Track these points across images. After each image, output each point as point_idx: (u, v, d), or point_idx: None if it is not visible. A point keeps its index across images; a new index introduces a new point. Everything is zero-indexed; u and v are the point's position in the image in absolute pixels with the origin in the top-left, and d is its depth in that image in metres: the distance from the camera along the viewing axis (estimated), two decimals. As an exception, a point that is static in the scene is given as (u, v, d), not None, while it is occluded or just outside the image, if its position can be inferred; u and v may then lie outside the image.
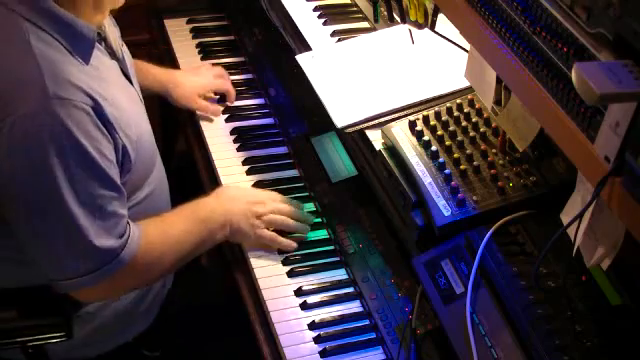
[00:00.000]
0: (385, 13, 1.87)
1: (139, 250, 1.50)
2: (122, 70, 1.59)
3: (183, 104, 2.02)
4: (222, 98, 2.09)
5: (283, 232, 1.71)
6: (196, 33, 2.33)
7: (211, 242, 1.65)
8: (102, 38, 1.53)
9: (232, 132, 2.00)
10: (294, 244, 1.70)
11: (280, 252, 1.70)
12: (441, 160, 1.48)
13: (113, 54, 1.57)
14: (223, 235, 1.65)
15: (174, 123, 2.25)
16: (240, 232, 1.66)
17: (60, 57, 1.38)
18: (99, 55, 1.49)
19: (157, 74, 2.00)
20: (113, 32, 1.61)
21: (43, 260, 1.47)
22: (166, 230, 1.59)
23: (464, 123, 1.55)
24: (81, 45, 1.42)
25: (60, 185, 1.36)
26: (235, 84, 2.14)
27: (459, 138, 1.52)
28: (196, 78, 2.04)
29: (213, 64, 2.15)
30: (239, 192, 1.76)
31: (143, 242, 1.52)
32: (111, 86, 1.47)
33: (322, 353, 1.50)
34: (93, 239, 1.41)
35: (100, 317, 1.66)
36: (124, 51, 1.65)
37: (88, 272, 1.44)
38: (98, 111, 1.39)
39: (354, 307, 1.60)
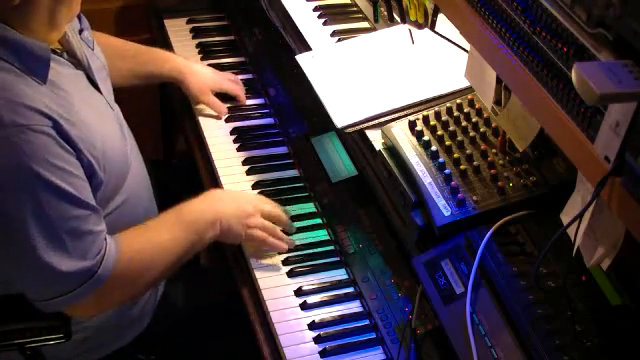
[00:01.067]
0: (385, 13, 1.87)
1: (121, 261, 1.48)
2: (89, 78, 1.56)
3: (195, 94, 2.02)
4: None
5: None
6: (196, 33, 2.33)
7: (201, 244, 1.63)
8: (64, 51, 1.50)
9: (232, 132, 2.00)
10: (284, 246, 1.69)
11: (280, 252, 1.70)
12: (441, 160, 1.48)
13: (78, 64, 1.54)
14: (213, 235, 1.63)
15: (174, 123, 2.25)
16: (231, 231, 1.64)
17: (13, 80, 1.34)
18: (59, 69, 1.45)
19: (175, 61, 2.02)
20: (77, 39, 1.56)
21: (23, 284, 1.46)
22: (151, 238, 1.57)
23: (464, 123, 1.55)
24: (35, 65, 1.38)
25: (24, 218, 1.34)
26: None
27: (459, 138, 1.52)
28: (209, 71, 2.07)
29: (213, 64, 2.15)
30: (227, 193, 1.76)
31: (126, 252, 1.49)
32: (74, 102, 1.44)
33: (322, 353, 1.50)
34: (62, 267, 1.38)
35: (95, 323, 1.66)
36: (93, 55, 1.62)
37: (67, 292, 1.43)
38: (59, 130, 1.36)
39: (354, 307, 1.60)
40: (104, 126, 1.53)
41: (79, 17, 1.63)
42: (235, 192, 1.80)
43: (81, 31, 1.63)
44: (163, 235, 1.58)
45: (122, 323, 1.71)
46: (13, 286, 1.51)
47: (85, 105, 1.48)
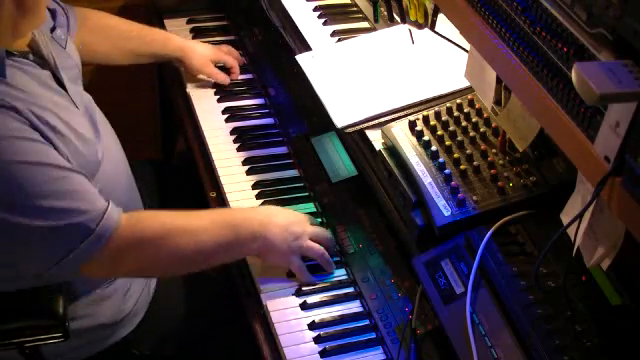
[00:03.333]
0: (385, 13, 1.87)
1: (128, 225, 1.47)
2: (55, 77, 1.56)
3: (198, 68, 2.11)
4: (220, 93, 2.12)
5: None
6: (196, 33, 2.33)
7: (237, 251, 1.60)
8: (27, 52, 1.51)
9: (232, 132, 2.00)
10: (315, 281, 1.63)
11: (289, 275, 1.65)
12: (441, 160, 1.48)
13: (45, 64, 1.54)
14: (255, 247, 1.58)
15: (174, 123, 2.26)
16: (274, 249, 1.59)
17: None
18: (18, 70, 1.46)
19: (176, 40, 2.12)
20: (46, 41, 1.57)
21: (24, 259, 1.47)
22: (175, 218, 1.55)
23: (464, 123, 1.55)
24: None
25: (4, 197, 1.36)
26: (235, 84, 2.15)
27: (459, 138, 1.52)
28: (208, 46, 2.16)
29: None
30: (278, 209, 1.69)
31: (136, 217, 1.50)
32: (33, 98, 1.45)
33: (322, 353, 1.50)
34: (56, 221, 1.40)
35: (90, 317, 1.66)
36: (65, 53, 1.63)
37: (70, 251, 1.42)
38: (15, 108, 1.38)
39: (354, 307, 1.60)
40: (68, 121, 1.52)
41: (54, 14, 1.64)
42: (285, 210, 1.71)
43: (54, 29, 1.63)
44: (191, 221, 1.56)
45: (116, 317, 1.71)
46: (12, 283, 1.51)
47: (46, 102, 1.48)
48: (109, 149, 1.68)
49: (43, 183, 1.40)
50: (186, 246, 1.54)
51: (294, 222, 1.63)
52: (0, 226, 1.40)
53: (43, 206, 1.39)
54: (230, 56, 2.17)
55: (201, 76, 2.14)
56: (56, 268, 1.45)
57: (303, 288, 1.61)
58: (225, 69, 2.16)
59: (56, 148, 1.45)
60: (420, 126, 1.56)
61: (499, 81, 1.40)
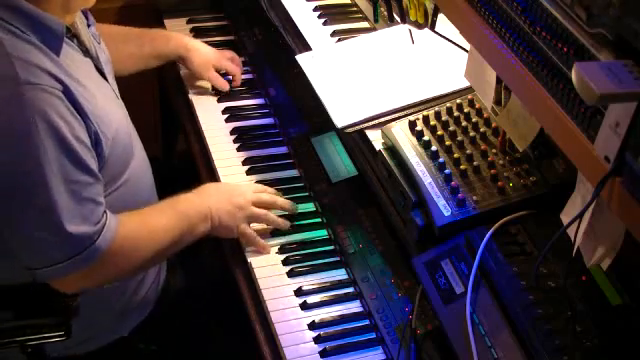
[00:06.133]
0: (385, 13, 1.87)
1: (117, 239, 1.50)
2: (97, 67, 1.60)
3: (198, 70, 2.08)
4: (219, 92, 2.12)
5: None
6: (196, 33, 2.33)
7: (191, 236, 1.66)
8: (73, 35, 1.54)
9: (232, 132, 2.00)
10: (269, 248, 1.70)
11: (281, 251, 1.70)
12: (441, 160, 1.48)
13: (86, 52, 1.57)
14: (205, 229, 1.66)
15: (174, 123, 2.25)
16: (223, 227, 1.68)
17: (29, 46, 1.39)
18: (70, 52, 1.50)
19: (177, 39, 2.08)
20: (86, 31, 1.60)
21: (19, 247, 1.47)
22: (145, 221, 1.60)
23: (464, 123, 1.55)
24: (50, 38, 1.43)
25: (35, 168, 1.37)
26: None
27: (459, 138, 1.52)
28: (210, 49, 2.12)
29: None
30: (220, 187, 1.78)
31: (121, 231, 1.52)
32: (84, 79, 1.48)
33: (322, 353, 1.50)
34: (67, 224, 1.41)
35: (95, 311, 1.66)
36: (100, 48, 1.66)
37: (64, 259, 1.44)
38: (69, 95, 1.40)
39: (354, 307, 1.60)
40: (111, 108, 1.57)
41: (86, 14, 1.65)
42: (228, 185, 1.81)
43: (88, 26, 1.65)
44: (157, 221, 1.61)
45: (124, 311, 1.72)
46: (16, 272, 1.52)
47: (94, 86, 1.52)
48: (137, 143, 1.72)
49: (68, 182, 1.41)
50: (157, 250, 1.61)
51: (235, 194, 1.71)
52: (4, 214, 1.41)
53: (59, 204, 1.40)
54: (232, 63, 2.14)
55: (200, 81, 2.12)
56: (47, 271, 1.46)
57: (303, 288, 1.61)
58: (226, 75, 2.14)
59: (96, 134, 1.47)
60: (420, 126, 1.56)
61: (499, 81, 1.40)
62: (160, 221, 1.61)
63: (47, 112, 1.36)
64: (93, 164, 1.46)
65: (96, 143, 1.48)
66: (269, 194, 1.76)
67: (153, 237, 1.60)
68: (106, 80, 1.63)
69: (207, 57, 2.09)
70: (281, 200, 1.77)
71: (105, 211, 1.49)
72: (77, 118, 1.42)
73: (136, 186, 1.67)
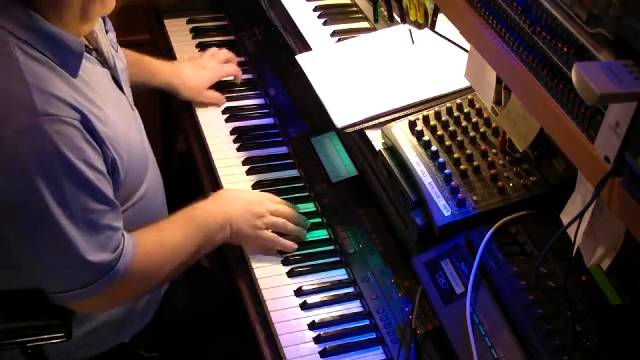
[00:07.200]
0: (385, 13, 1.87)
1: (135, 261, 1.49)
2: (114, 77, 1.58)
3: (191, 99, 2.06)
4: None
5: (281, 234, 1.71)
6: (196, 33, 2.33)
7: (210, 246, 1.65)
8: (92, 49, 1.53)
9: (232, 132, 2.00)
10: (294, 245, 1.70)
11: (280, 252, 1.70)
12: (441, 160, 1.48)
13: (104, 62, 1.56)
14: (223, 237, 1.65)
15: (174, 123, 2.25)
16: (241, 234, 1.66)
17: (47, 72, 1.37)
18: (88, 66, 1.48)
19: (164, 72, 2.03)
20: (105, 39, 1.59)
21: (37, 273, 1.47)
22: (163, 238, 1.58)
23: (464, 123, 1.55)
24: (69, 58, 1.41)
25: (49, 202, 1.35)
26: (235, 84, 2.15)
27: (459, 138, 1.52)
28: (203, 72, 2.07)
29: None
30: (237, 194, 1.76)
31: (140, 252, 1.51)
32: (101, 98, 1.46)
33: (322, 353, 1.50)
34: (86, 254, 1.40)
35: (97, 318, 1.66)
36: (117, 56, 1.64)
37: (84, 285, 1.44)
38: (87, 125, 1.39)
39: (354, 307, 1.60)
40: (127, 126, 1.56)
41: (104, 19, 1.65)
42: (245, 192, 1.80)
43: (106, 32, 1.65)
44: (174, 237, 1.59)
45: (126, 317, 1.71)
46: (15, 280, 1.51)
47: (111, 103, 1.50)
48: (150, 155, 1.71)
49: (83, 212, 1.40)
50: (176, 265, 1.60)
51: (254, 203, 1.70)
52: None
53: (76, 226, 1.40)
54: (230, 65, 2.11)
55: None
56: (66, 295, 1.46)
57: (303, 288, 1.61)
58: None
59: (114, 162, 1.46)
60: (420, 126, 1.56)
61: (499, 81, 1.40)
62: (178, 236, 1.59)
63: (62, 145, 1.34)
64: (109, 191, 1.45)
65: (112, 170, 1.47)
66: (286, 206, 1.74)
67: (172, 252, 1.58)
68: (122, 90, 1.61)
69: (196, 84, 2.04)
70: (295, 215, 1.74)
71: (123, 234, 1.48)
72: (94, 147, 1.41)
73: (151, 200, 1.67)
